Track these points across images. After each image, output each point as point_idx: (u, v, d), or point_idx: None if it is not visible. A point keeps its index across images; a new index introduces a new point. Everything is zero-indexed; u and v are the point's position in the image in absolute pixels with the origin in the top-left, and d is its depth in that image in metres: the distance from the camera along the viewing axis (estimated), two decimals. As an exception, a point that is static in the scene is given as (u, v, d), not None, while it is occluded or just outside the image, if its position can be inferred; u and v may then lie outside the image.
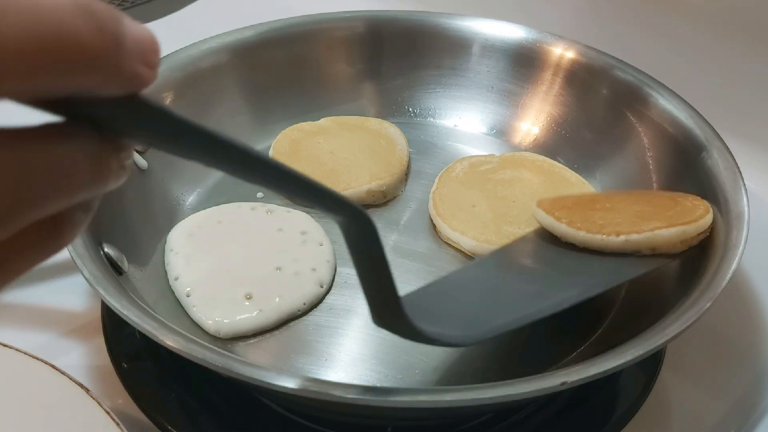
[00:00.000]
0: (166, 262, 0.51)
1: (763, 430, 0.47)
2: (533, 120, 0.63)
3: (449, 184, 0.57)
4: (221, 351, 0.40)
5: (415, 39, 0.65)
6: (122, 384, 0.47)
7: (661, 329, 0.41)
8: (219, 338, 0.47)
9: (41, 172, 0.20)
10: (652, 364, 0.49)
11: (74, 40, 0.19)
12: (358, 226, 0.31)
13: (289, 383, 0.37)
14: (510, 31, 0.63)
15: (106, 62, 0.20)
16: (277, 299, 0.49)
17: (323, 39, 0.64)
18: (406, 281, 0.52)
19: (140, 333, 0.40)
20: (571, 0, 0.73)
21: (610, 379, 0.48)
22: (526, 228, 0.53)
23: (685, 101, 0.55)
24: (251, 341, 0.48)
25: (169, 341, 0.38)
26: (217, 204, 0.56)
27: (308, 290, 0.50)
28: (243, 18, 0.63)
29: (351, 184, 0.57)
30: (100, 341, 0.49)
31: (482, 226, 0.53)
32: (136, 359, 0.48)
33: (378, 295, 0.35)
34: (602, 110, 0.60)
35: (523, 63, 0.63)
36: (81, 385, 0.42)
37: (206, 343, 0.40)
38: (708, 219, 0.47)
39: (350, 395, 0.37)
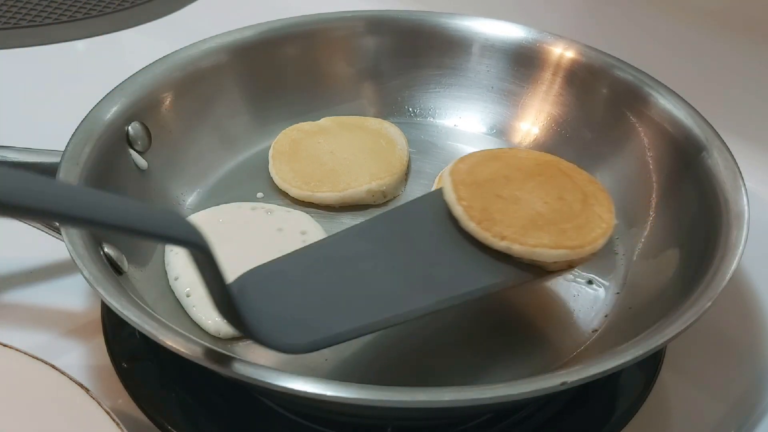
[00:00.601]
0: (166, 262, 0.51)
1: (763, 430, 0.46)
2: (533, 120, 0.63)
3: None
4: (221, 351, 0.40)
5: (415, 39, 0.65)
6: (122, 384, 0.47)
7: (661, 329, 0.41)
8: (219, 338, 0.47)
9: None
10: (652, 364, 0.49)
11: None
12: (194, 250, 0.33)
13: (289, 383, 0.37)
14: (510, 31, 0.63)
15: None
16: (277, 299, 0.49)
17: (323, 39, 0.64)
18: (406, 281, 0.52)
19: (140, 333, 0.40)
20: (571, 0, 0.73)
21: (610, 379, 0.47)
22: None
23: (685, 101, 0.55)
24: (251, 341, 0.47)
25: (169, 341, 0.38)
26: (217, 204, 0.56)
27: (308, 290, 0.50)
28: (243, 18, 0.63)
29: (351, 184, 0.57)
30: (100, 341, 0.49)
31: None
32: (136, 359, 0.48)
33: (215, 295, 0.36)
34: (602, 110, 0.60)
35: (523, 63, 0.63)
36: (81, 385, 0.42)
37: (206, 343, 0.40)
38: (598, 244, 0.45)
39: (350, 395, 0.37)
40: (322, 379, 0.37)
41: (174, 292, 0.50)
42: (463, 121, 0.64)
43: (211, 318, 0.47)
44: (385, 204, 0.58)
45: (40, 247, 0.52)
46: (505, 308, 0.50)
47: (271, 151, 0.59)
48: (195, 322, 0.48)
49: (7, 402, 0.42)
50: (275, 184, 0.58)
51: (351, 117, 0.63)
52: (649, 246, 0.53)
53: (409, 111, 0.65)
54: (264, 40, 0.62)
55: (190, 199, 0.57)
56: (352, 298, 0.43)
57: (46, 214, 0.26)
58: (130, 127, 0.54)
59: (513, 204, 0.46)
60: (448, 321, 0.49)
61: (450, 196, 0.46)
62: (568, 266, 0.45)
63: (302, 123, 0.62)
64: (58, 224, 0.45)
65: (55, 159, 0.49)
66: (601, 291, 0.52)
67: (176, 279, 0.50)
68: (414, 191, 0.59)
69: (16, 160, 0.50)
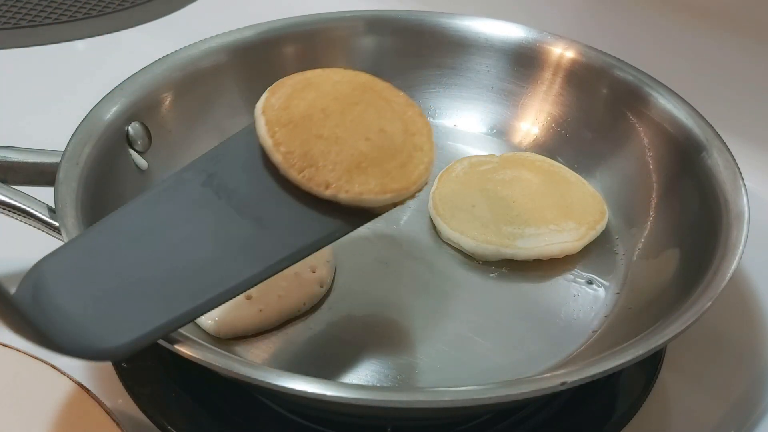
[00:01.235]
0: (166, 262, 0.51)
1: (763, 430, 0.46)
2: (533, 120, 0.63)
3: (449, 184, 0.57)
4: (221, 351, 0.40)
5: (415, 39, 0.65)
6: (122, 384, 0.47)
7: (661, 329, 0.41)
8: (219, 338, 0.47)
9: None
10: (652, 364, 0.49)
11: None
12: None
13: (289, 383, 0.37)
14: (510, 31, 0.63)
15: None
16: (277, 299, 0.49)
17: (323, 39, 0.64)
18: (406, 281, 0.52)
19: (140, 333, 0.40)
20: (571, 0, 0.73)
21: (610, 379, 0.48)
22: (526, 228, 0.53)
23: (685, 101, 0.55)
24: (251, 341, 0.48)
25: (169, 341, 0.38)
26: (217, 204, 0.56)
27: (308, 290, 0.50)
28: (243, 18, 0.63)
29: (351, 184, 0.57)
30: (100, 341, 0.49)
31: (482, 226, 0.53)
32: (136, 359, 0.48)
33: None
34: (602, 110, 0.60)
35: (523, 63, 0.63)
36: (81, 385, 0.42)
37: (206, 343, 0.40)
38: (422, 182, 0.43)
39: (350, 395, 0.37)
40: (322, 379, 0.37)
41: (174, 292, 0.50)
42: (463, 121, 0.64)
43: (211, 318, 0.47)
44: (385, 204, 0.58)
45: (40, 247, 0.52)
46: (504, 308, 0.50)
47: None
48: (195, 322, 0.48)
49: (7, 402, 0.42)
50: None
51: (351, 117, 0.63)
52: (649, 246, 0.53)
53: (409, 111, 0.65)
54: (264, 40, 0.62)
55: (190, 199, 0.57)
56: (170, 279, 0.38)
57: None
58: (130, 127, 0.54)
59: (335, 144, 0.42)
60: (447, 322, 0.49)
61: (266, 142, 0.42)
62: (393, 206, 0.43)
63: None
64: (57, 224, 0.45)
65: (55, 159, 0.49)
66: (601, 291, 0.52)
67: (176, 279, 0.50)
68: (414, 191, 0.59)
69: (16, 160, 0.50)
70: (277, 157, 0.42)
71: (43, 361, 0.43)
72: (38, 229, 0.49)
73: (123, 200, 0.50)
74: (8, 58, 0.77)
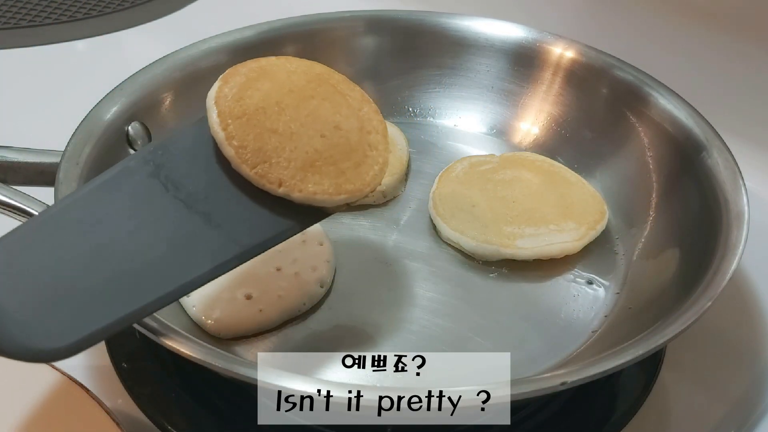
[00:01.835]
0: (166, 262, 0.51)
1: (763, 430, 0.47)
2: (533, 120, 0.63)
3: (449, 184, 0.57)
4: (221, 351, 0.40)
5: (415, 39, 0.65)
6: (122, 384, 0.47)
7: (661, 329, 0.41)
8: (219, 338, 0.47)
9: None
10: (652, 364, 0.49)
11: None
12: None
13: (289, 383, 0.37)
14: (510, 31, 0.63)
15: None
16: (277, 299, 0.49)
17: (323, 39, 0.64)
18: (406, 281, 0.52)
19: (140, 333, 0.40)
20: (571, 0, 0.73)
21: (610, 379, 0.48)
22: (527, 228, 0.53)
23: (685, 101, 0.55)
24: (251, 341, 0.48)
25: (169, 341, 0.38)
26: (217, 204, 0.56)
27: (308, 290, 0.50)
28: (243, 18, 0.63)
29: (351, 184, 0.57)
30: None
31: (482, 226, 0.53)
32: (136, 359, 0.48)
33: None
34: (602, 110, 0.60)
35: (523, 62, 0.63)
36: (81, 385, 0.42)
37: (206, 343, 0.40)
38: (376, 183, 0.42)
39: (350, 395, 0.37)
40: (322, 379, 0.37)
41: (174, 292, 0.50)
42: (463, 121, 0.64)
43: (211, 318, 0.47)
44: (384, 204, 0.58)
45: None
46: (504, 308, 0.50)
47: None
48: (195, 322, 0.48)
49: (7, 402, 0.42)
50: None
51: (351, 117, 0.63)
52: (649, 246, 0.53)
53: (409, 111, 0.65)
54: (264, 40, 0.62)
55: (190, 199, 0.57)
56: (114, 277, 0.37)
57: None
58: (130, 127, 0.54)
59: (289, 140, 0.41)
60: (447, 322, 0.49)
61: (218, 134, 0.41)
62: (347, 206, 0.43)
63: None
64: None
65: (55, 159, 0.49)
66: (601, 291, 0.52)
67: (176, 279, 0.50)
68: (414, 191, 0.59)
69: (16, 160, 0.50)
70: (230, 151, 0.41)
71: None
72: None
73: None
74: (8, 58, 0.77)
